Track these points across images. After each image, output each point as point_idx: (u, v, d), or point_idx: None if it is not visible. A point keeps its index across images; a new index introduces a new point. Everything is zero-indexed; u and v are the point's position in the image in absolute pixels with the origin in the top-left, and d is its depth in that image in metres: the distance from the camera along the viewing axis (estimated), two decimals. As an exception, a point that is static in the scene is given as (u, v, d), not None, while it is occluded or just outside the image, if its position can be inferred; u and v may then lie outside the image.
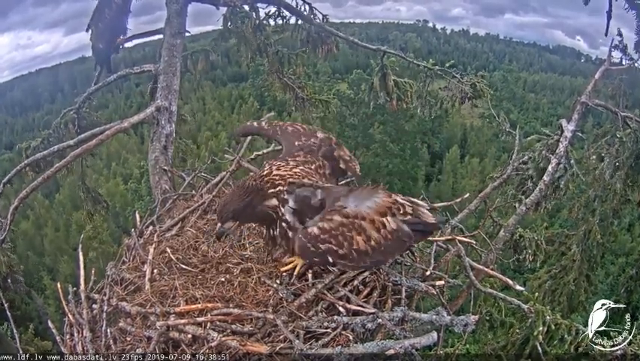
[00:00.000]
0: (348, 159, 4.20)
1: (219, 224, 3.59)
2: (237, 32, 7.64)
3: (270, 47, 8.12)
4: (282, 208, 3.47)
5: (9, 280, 6.11)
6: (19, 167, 6.12)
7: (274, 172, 3.60)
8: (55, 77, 73.08)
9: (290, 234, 3.47)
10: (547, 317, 4.52)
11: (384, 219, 3.37)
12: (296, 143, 4.12)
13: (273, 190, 3.49)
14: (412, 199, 3.62)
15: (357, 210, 3.33)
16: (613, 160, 7.39)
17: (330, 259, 3.33)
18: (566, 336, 4.48)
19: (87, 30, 7.26)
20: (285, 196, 3.46)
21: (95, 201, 8.55)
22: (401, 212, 3.44)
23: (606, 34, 7.54)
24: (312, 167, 3.85)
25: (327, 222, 3.31)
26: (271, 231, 3.61)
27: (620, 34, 7.47)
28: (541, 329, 4.46)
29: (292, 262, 3.86)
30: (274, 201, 3.48)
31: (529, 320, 4.56)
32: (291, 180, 3.53)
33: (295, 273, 3.79)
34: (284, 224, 3.48)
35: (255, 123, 4.63)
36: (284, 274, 3.81)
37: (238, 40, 7.83)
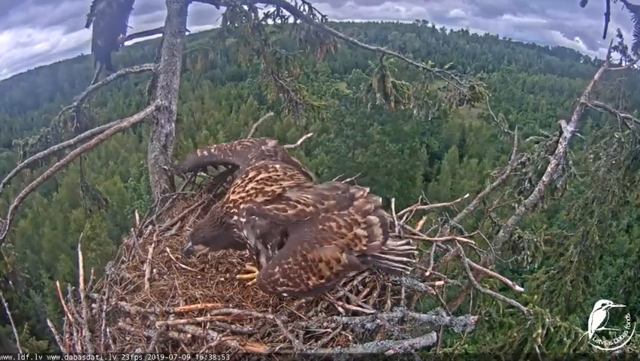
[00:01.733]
0: (302, 164, 4.33)
1: (190, 243, 3.75)
2: (236, 32, 7.62)
3: (268, 47, 8.09)
4: (244, 234, 3.52)
5: (10, 281, 6.10)
6: (19, 167, 6.09)
7: (230, 198, 3.62)
8: (54, 75, 72.98)
9: (255, 257, 3.56)
10: (547, 320, 4.53)
11: (339, 256, 3.35)
12: (249, 155, 4.19)
13: (231, 221, 3.56)
14: (371, 221, 3.54)
15: (317, 253, 3.31)
16: (610, 159, 7.40)
17: (285, 295, 3.52)
18: (565, 339, 4.49)
19: (87, 26, 7.21)
20: (242, 220, 3.50)
21: (93, 198, 8.51)
22: (357, 248, 3.42)
23: (604, 37, 7.56)
24: (275, 168, 3.82)
25: (289, 265, 3.31)
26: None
27: (619, 35, 7.47)
28: (540, 331, 4.47)
29: (251, 271, 3.93)
30: (236, 231, 3.56)
31: (529, 322, 4.57)
32: (242, 204, 3.51)
33: (250, 284, 3.85)
34: (249, 246, 3.56)
35: (205, 152, 4.61)
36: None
37: (237, 40, 7.80)
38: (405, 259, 3.75)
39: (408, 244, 3.93)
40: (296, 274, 3.32)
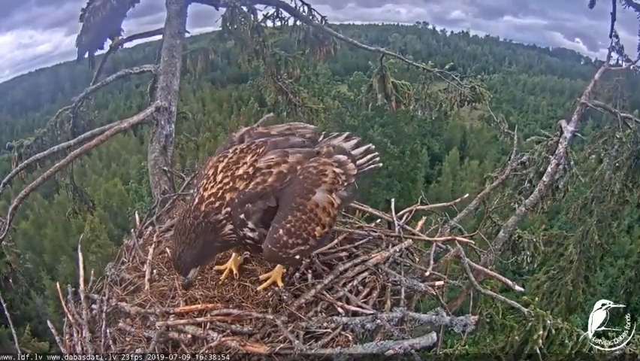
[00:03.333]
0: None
1: (182, 278, 3.42)
2: (235, 33, 7.62)
3: (267, 49, 8.09)
4: (240, 231, 3.30)
5: (10, 280, 6.10)
6: (19, 167, 6.11)
7: (205, 195, 3.30)
8: (55, 76, 72.88)
9: (258, 246, 3.36)
10: (548, 321, 4.52)
11: (331, 198, 3.43)
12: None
13: (220, 216, 3.27)
14: (340, 160, 3.64)
15: (312, 201, 3.35)
16: (613, 161, 7.40)
17: (298, 257, 3.38)
18: (566, 341, 4.48)
19: (80, 19, 7.23)
20: (241, 216, 3.27)
21: (81, 200, 8.52)
22: (340, 184, 3.52)
23: (610, 36, 7.54)
24: (226, 155, 3.53)
25: (290, 223, 3.28)
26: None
27: (616, 36, 7.48)
28: (541, 333, 4.46)
29: (268, 277, 3.80)
30: (228, 228, 3.29)
31: (529, 324, 4.56)
32: (229, 195, 3.27)
33: (280, 285, 3.73)
34: (249, 240, 3.34)
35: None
36: (264, 291, 3.73)
37: (236, 41, 7.81)
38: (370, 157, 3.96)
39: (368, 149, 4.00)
40: (301, 228, 3.29)
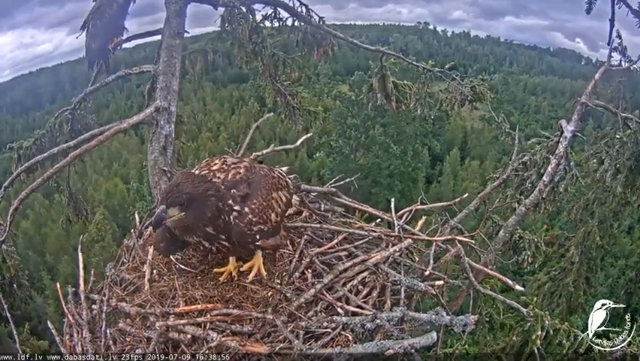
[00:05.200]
0: None
1: (162, 206, 3.33)
2: (233, 34, 7.59)
3: (266, 49, 8.04)
4: (229, 217, 3.53)
5: (14, 285, 6.08)
6: (19, 170, 6.09)
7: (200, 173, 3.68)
8: (56, 76, 72.89)
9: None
10: (546, 322, 4.51)
11: (281, 194, 3.87)
12: None
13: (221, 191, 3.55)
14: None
15: (268, 194, 3.73)
16: (613, 163, 7.38)
17: (258, 237, 3.63)
18: (564, 341, 4.48)
19: (82, 28, 7.17)
20: (229, 202, 3.54)
21: (75, 207, 8.26)
22: (283, 184, 3.98)
23: (609, 43, 7.51)
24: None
25: (255, 204, 3.62)
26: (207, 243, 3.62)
27: (618, 36, 7.45)
28: (539, 333, 4.46)
29: (251, 266, 3.91)
30: (230, 202, 3.55)
31: (528, 324, 4.55)
32: (220, 179, 3.60)
33: (264, 273, 3.86)
34: (227, 218, 3.53)
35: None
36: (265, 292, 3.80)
37: (234, 41, 7.77)
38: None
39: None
40: (262, 211, 3.64)
